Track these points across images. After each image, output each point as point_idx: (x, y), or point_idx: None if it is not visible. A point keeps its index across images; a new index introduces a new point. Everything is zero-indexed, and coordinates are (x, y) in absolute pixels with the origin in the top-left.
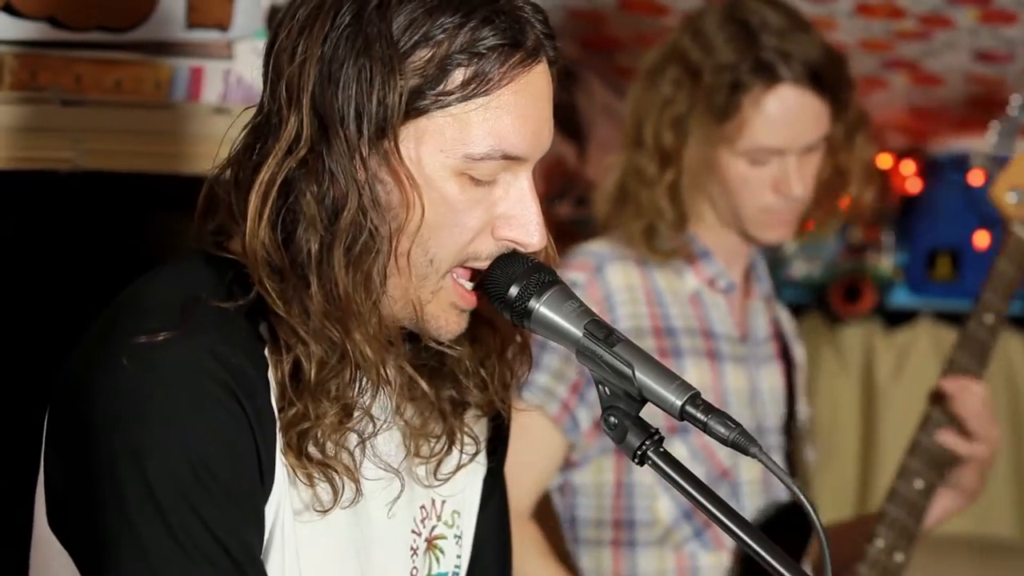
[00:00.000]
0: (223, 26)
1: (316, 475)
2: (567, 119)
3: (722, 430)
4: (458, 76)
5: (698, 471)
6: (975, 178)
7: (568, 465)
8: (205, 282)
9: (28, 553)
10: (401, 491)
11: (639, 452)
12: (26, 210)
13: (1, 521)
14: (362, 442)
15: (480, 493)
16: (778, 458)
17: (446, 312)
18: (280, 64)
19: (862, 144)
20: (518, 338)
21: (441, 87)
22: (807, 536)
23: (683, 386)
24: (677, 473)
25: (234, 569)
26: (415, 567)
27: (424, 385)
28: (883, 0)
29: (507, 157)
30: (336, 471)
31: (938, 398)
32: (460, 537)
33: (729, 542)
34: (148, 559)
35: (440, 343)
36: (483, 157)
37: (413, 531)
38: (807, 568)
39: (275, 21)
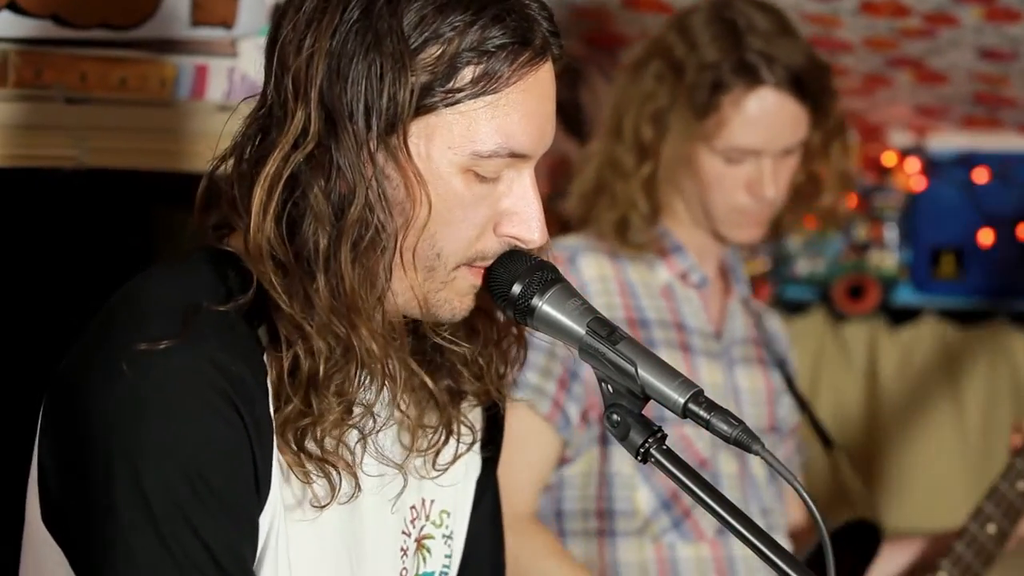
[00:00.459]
0: (227, 24)
1: (314, 472)
2: (571, 116)
3: (725, 427)
4: (467, 74)
5: None
6: (979, 176)
7: (563, 462)
8: (205, 282)
9: (20, 547)
10: (404, 487)
11: (642, 449)
12: (30, 207)
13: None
14: (363, 438)
15: (473, 492)
16: (758, 460)
17: (461, 296)
18: (285, 57)
19: (838, 152)
20: (514, 328)
21: (450, 84)
22: (873, 550)
23: (686, 383)
24: (680, 470)
25: None
26: (404, 568)
27: (425, 377)
28: None
29: (513, 155)
30: (335, 467)
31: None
32: (449, 537)
33: (709, 534)
34: (139, 568)
35: (443, 337)
36: (490, 155)
37: (403, 532)
38: None
39: (278, 13)
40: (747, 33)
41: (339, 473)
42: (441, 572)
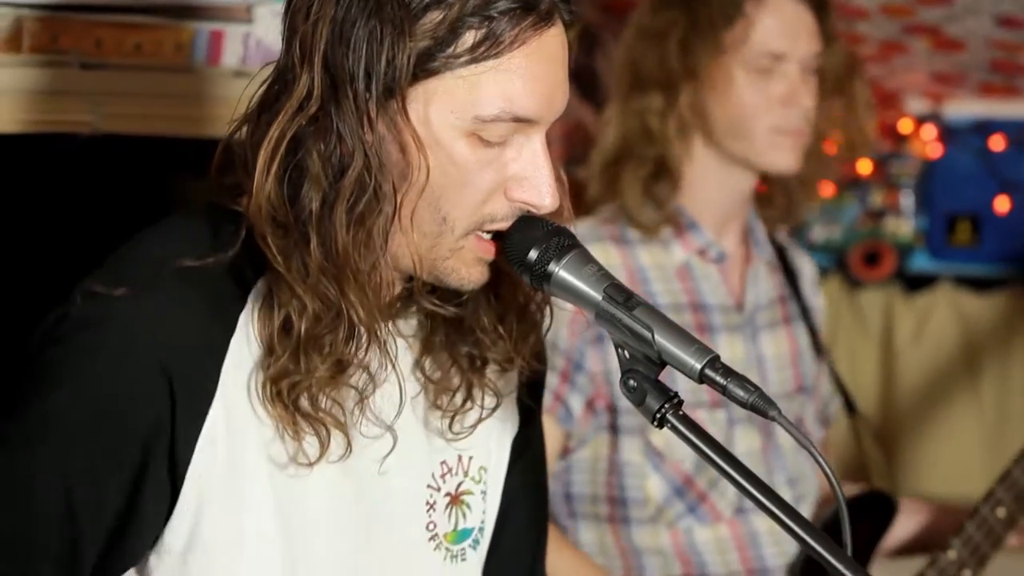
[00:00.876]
0: None
1: (306, 429)
2: (586, 82)
3: (741, 393)
4: (469, 38)
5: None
6: (996, 143)
7: (566, 452)
8: (196, 238)
9: None
10: (393, 447)
11: (658, 415)
12: (46, 173)
13: None
14: (361, 400)
15: (509, 451)
16: None
17: (468, 266)
18: (295, 23)
19: (860, 85)
20: (539, 295)
21: (451, 49)
22: (887, 521)
23: (702, 349)
24: (696, 436)
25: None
26: (432, 521)
27: (394, 351)
28: None
29: (517, 119)
30: (325, 425)
31: None
32: (486, 493)
33: (727, 514)
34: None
35: (431, 303)
36: (493, 119)
37: (430, 486)
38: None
39: None
40: None
41: (328, 431)
42: (479, 528)
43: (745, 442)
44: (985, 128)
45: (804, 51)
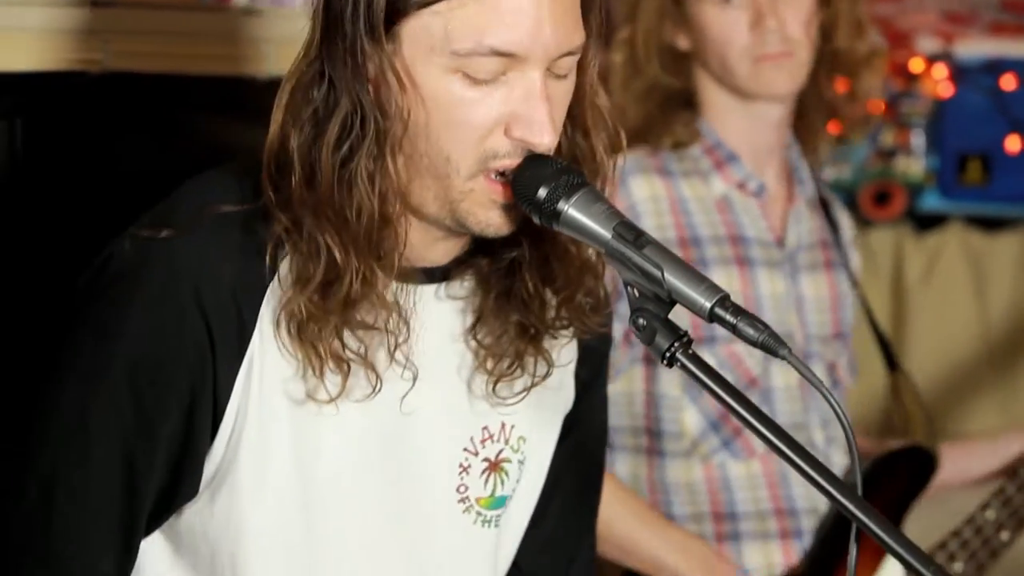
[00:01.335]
0: None
1: (331, 366)
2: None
3: (751, 331)
4: None
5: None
6: (1007, 83)
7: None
8: (234, 186)
9: None
10: (412, 386)
11: (668, 354)
12: (55, 112)
13: None
14: (397, 347)
15: (560, 426)
16: (819, 367)
17: (484, 209)
18: None
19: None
20: (591, 260)
21: None
22: (926, 476)
23: (712, 288)
24: (707, 375)
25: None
26: (464, 484)
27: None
28: None
29: (499, 53)
30: (348, 363)
31: None
32: (523, 463)
33: (760, 450)
34: (50, 423)
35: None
36: (468, 53)
37: (467, 449)
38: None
39: None
40: None
41: (349, 367)
42: (510, 496)
43: (782, 378)
44: (996, 67)
45: None
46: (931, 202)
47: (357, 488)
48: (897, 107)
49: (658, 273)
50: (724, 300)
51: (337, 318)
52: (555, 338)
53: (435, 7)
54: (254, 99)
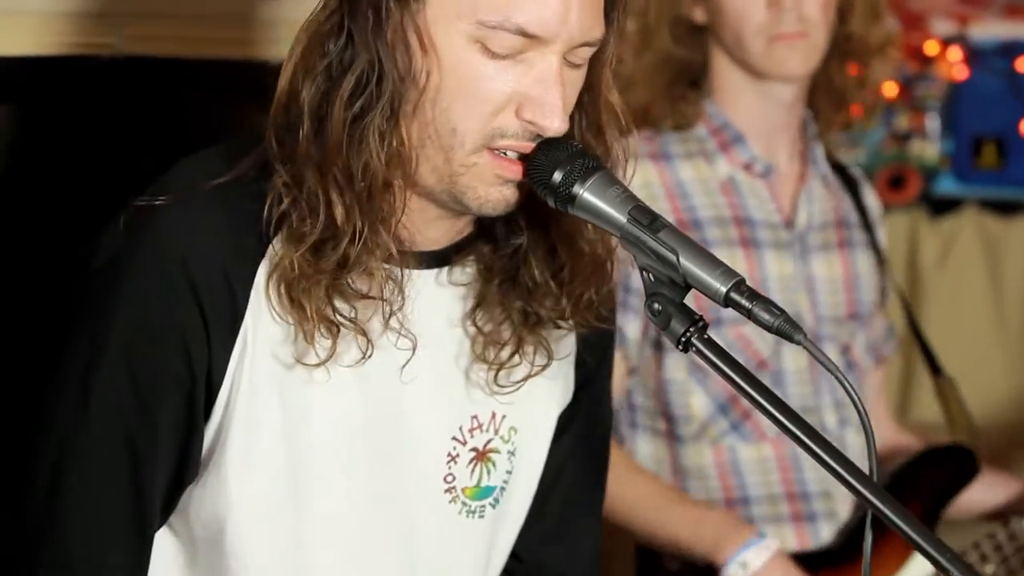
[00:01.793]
0: None
1: (321, 331)
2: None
3: (767, 316)
4: None
5: None
6: (1022, 65)
7: (631, 372)
8: (236, 159)
9: None
10: (412, 355)
11: (683, 339)
12: (68, 95)
13: None
14: (392, 314)
15: (556, 421)
16: (832, 349)
17: (485, 184)
18: None
19: None
20: (600, 251)
21: None
22: (965, 476)
23: (728, 272)
24: (721, 360)
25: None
26: (451, 474)
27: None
28: None
29: (523, 33)
30: (338, 326)
31: None
32: (513, 454)
33: (770, 433)
34: (57, 402)
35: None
36: (496, 26)
37: (455, 438)
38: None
39: None
40: None
41: (338, 330)
42: (501, 487)
43: (793, 360)
44: (1011, 50)
45: None
46: (946, 186)
47: (348, 461)
48: (912, 90)
49: (673, 257)
50: (739, 284)
51: (328, 279)
52: (557, 327)
53: None
54: (269, 83)
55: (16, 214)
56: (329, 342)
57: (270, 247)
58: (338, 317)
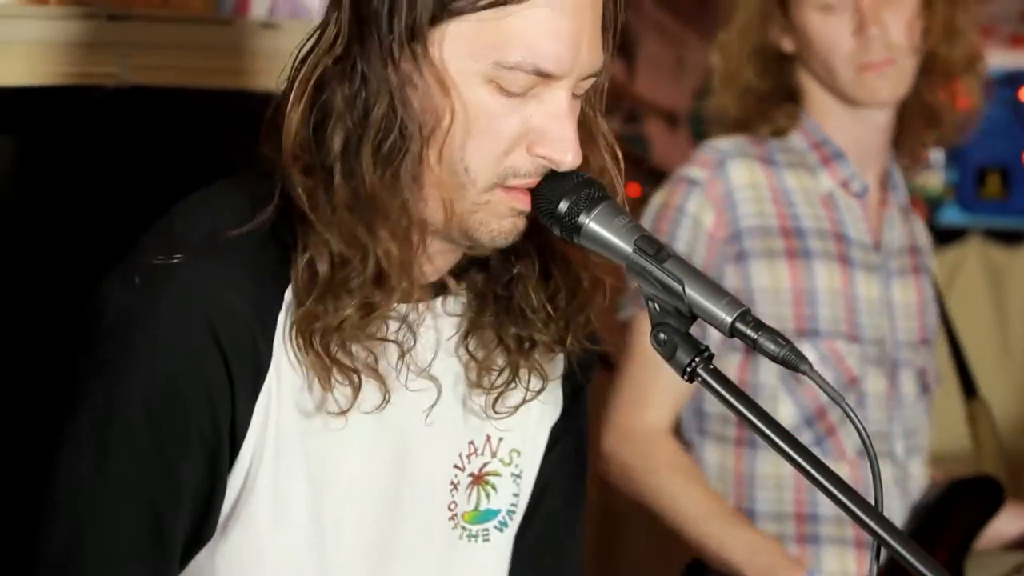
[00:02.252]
0: None
1: (338, 378)
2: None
3: (772, 347)
4: None
5: (828, 375)
6: None
7: None
8: (240, 204)
9: None
10: (438, 398)
11: (688, 369)
12: (72, 126)
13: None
14: (404, 354)
15: (547, 437)
16: (909, 374)
17: (499, 218)
18: None
19: (940, 5)
20: (593, 274)
21: None
22: (994, 507)
23: (733, 302)
24: (727, 390)
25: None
26: (454, 501)
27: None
28: None
29: (539, 72)
30: (358, 373)
31: None
32: (519, 476)
33: (850, 454)
34: (67, 467)
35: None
36: (513, 67)
37: (456, 466)
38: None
39: None
40: None
41: (359, 378)
42: (508, 511)
43: (874, 383)
44: (1015, 80)
45: None
46: (950, 216)
47: (367, 506)
48: None
49: (679, 287)
50: (745, 315)
51: (349, 325)
52: (551, 351)
53: (483, 14)
54: (273, 113)
55: (20, 244)
56: (349, 389)
57: (287, 294)
58: (356, 363)
